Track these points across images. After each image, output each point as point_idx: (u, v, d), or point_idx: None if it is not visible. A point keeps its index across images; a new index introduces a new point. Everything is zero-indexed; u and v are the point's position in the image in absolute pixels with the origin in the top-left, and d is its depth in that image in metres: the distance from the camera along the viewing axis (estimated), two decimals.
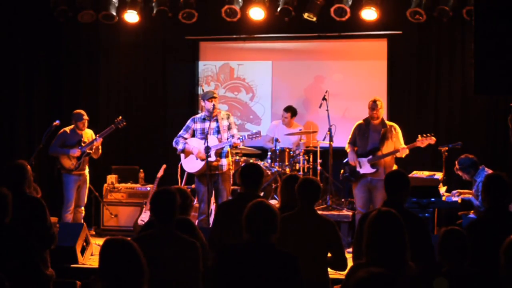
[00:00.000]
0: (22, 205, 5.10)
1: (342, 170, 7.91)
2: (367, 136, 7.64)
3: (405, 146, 7.57)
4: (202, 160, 7.46)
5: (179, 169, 8.46)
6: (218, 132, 7.56)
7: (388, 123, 7.74)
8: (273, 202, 8.08)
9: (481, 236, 4.26)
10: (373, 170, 7.54)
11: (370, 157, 7.56)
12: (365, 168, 7.57)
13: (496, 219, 4.42)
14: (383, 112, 7.74)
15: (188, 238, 4.07)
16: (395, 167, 7.80)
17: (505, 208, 4.52)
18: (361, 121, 7.80)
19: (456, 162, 7.34)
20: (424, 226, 4.56)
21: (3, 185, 4.91)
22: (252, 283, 3.60)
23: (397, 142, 7.63)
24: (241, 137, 7.49)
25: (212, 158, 7.39)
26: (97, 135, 8.26)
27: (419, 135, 7.65)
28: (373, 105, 7.61)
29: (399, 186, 4.57)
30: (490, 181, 4.58)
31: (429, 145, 7.68)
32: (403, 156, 7.67)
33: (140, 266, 3.17)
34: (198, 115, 7.81)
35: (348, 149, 7.82)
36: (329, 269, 4.73)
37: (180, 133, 7.74)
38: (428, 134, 7.57)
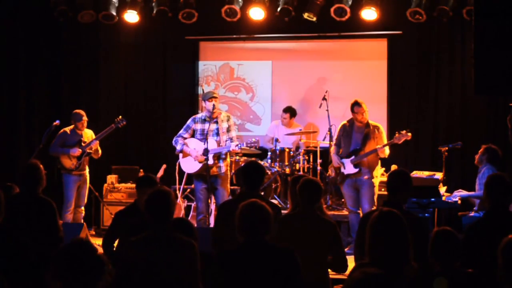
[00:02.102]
0: (34, 206, 5.14)
1: (329, 172, 7.92)
2: (351, 137, 7.62)
3: (381, 145, 7.48)
4: (200, 162, 7.46)
5: (177, 168, 8.45)
6: (217, 134, 7.56)
7: (372, 123, 7.62)
8: (274, 202, 8.07)
9: (482, 237, 4.26)
10: (356, 170, 7.52)
11: (353, 157, 7.54)
12: (349, 168, 7.56)
13: (498, 220, 4.42)
14: (367, 113, 7.62)
15: (184, 238, 4.04)
16: (379, 167, 7.76)
17: (507, 208, 4.53)
18: (345, 122, 7.75)
19: (490, 145, 7.27)
20: (423, 226, 4.55)
21: (18, 185, 4.96)
22: (252, 283, 3.59)
23: (380, 142, 7.55)
24: (239, 145, 7.47)
25: (210, 161, 7.37)
26: (95, 136, 8.27)
27: (396, 132, 7.60)
28: (358, 109, 7.50)
29: (400, 186, 4.57)
30: (492, 182, 4.58)
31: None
32: (386, 156, 7.57)
33: (97, 265, 3.14)
34: (199, 115, 7.78)
35: (332, 151, 7.81)
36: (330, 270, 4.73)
37: (180, 132, 7.72)
38: (404, 131, 7.49)
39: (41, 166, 5.38)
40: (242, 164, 8.78)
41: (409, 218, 4.20)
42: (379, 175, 7.98)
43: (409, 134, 7.46)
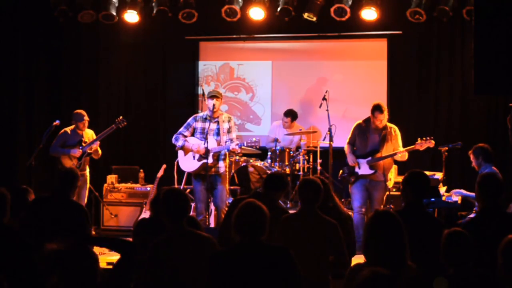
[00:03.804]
0: (66, 210, 5.20)
1: (341, 171, 7.88)
2: (367, 137, 7.59)
3: (403, 149, 7.53)
4: (201, 155, 7.47)
5: (175, 167, 8.46)
6: (218, 134, 7.57)
7: (388, 124, 7.66)
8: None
9: (476, 235, 4.25)
10: (371, 172, 7.52)
11: (369, 158, 7.53)
12: (364, 169, 7.54)
13: (490, 219, 4.43)
14: (386, 120, 7.62)
15: (204, 234, 4.10)
16: (394, 168, 7.76)
17: (499, 207, 4.53)
18: (360, 121, 7.74)
19: (472, 150, 7.27)
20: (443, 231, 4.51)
21: (52, 189, 5.06)
22: (249, 283, 3.60)
23: (395, 144, 7.58)
24: (239, 144, 7.49)
25: (209, 160, 7.40)
26: (96, 137, 8.27)
27: (418, 138, 7.63)
28: (381, 116, 7.45)
29: (424, 189, 4.58)
30: (484, 181, 4.59)
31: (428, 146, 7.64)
32: (405, 159, 7.63)
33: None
34: (200, 114, 7.82)
35: (347, 149, 7.77)
36: None
37: (180, 130, 7.74)
38: (428, 138, 7.52)
39: (79, 174, 5.56)
40: (242, 164, 8.82)
41: (430, 220, 4.25)
42: (393, 177, 8.03)
43: (433, 141, 7.48)
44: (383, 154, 7.54)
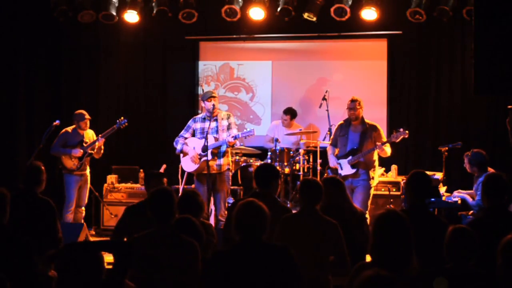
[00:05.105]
0: (33, 206, 5.15)
1: (325, 174, 7.80)
2: (347, 137, 7.54)
3: (379, 143, 7.34)
4: (195, 163, 7.49)
5: (179, 169, 8.46)
6: (217, 131, 7.57)
7: (369, 122, 7.56)
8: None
9: (479, 235, 4.26)
10: (353, 171, 7.41)
11: (350, 157, 7.45)
12: (346, 169, 7.45)
13: (495, 219, 4.45)
14: (362, 112, 7.57)
15: (186, 238, 4.05)
16: (377, 167, 7.64)
17: (504, 207, 4.54)
18: (342, 122, 7.69)
19: (469, 153, 7.24)
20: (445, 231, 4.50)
21: (19, 184, 5.01)
22: (249, 282, 3.59)
23: (380, 141, 7.40)
24: (235, 135, 7.47)
25: (209, 157, 7.39)
26: (99, 135, 8.26)
27: (394, 130, 7.54)
28: (351, 105, 7.47)
29: (425, 189, 4.58)
30: (490, 181, 4.61)
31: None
32: (388, 155, 7.46)
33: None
34: (199, 115, 7.84)
35: (328, 151, 7.72)
36: None
37: (181, 133, 7.77)
38: (401, 129, 7.37)
39: (43, 168, 5.41)
40: (243, 164, 8.81)
41: (434, 221, 4.25)
42: (379, 175, 7.95)
43: (407, 132, 7.35)
44: (363, 151, 7.45)
